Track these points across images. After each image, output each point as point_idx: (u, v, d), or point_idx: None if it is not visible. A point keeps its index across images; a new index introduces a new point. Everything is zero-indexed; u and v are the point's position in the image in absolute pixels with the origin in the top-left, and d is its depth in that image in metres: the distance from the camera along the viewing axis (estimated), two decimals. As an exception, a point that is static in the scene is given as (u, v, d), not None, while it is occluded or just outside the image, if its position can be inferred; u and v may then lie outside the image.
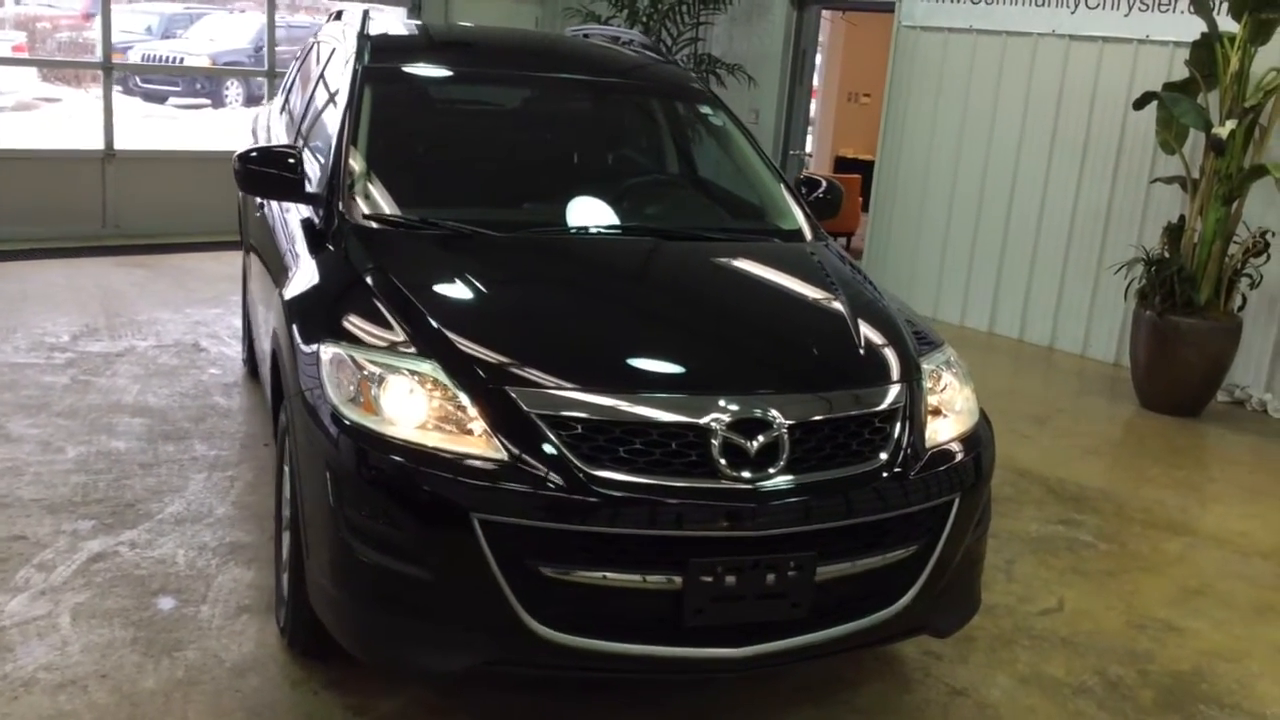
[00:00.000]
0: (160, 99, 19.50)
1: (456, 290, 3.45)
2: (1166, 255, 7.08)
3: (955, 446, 3.38)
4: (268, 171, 3.94)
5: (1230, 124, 6.73)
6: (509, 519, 2.87)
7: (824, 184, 4.64)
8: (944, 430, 3.39)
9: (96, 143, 9.40)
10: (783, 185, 4.54)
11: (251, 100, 18.04)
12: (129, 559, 4.16)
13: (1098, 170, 8.19)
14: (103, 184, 9.34)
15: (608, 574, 2.91)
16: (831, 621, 3.11)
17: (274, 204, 4.52)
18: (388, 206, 3.94)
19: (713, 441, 2.96)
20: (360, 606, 3.04)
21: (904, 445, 3.22)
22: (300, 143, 4.75)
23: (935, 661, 3.89)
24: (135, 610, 3.82)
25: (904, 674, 3.83)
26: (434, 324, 3.19)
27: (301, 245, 3.88)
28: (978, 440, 3.48)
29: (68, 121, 15.84)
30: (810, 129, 16.44)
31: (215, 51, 18.41)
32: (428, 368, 3.05)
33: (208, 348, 6.77)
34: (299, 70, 5.86)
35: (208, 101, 19.59)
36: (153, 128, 16.63)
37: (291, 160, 3.96)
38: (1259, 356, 7.43)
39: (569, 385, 3.02)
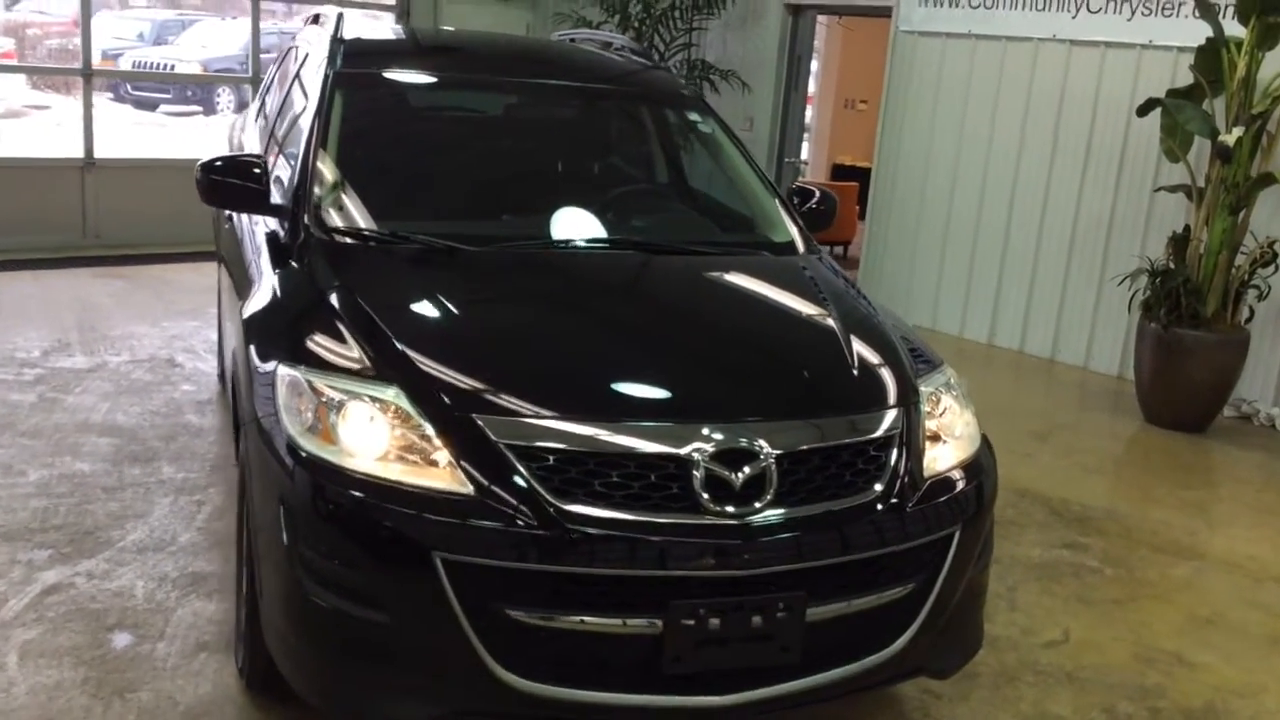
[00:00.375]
0: (151, 106, 19.33)
1: (425, 310, 3.24)
2: (1171, 266, 6.88)
3: (955, 475, 3.17)
4: (231, 182, 3.74)
5: (1237, 131, 6.53)
6: (474, 559, 2.66)
7: (817, 194, 4.44)
8: (943, 458, 3.19)
9: (77, 151, 9.19)
10: (774, 196, 4.34)
11: (243, 107, 17.87)
12: (85, 591, 3.94)
13: (1100, 178, 8.00)
14: (82, 193, 9.13)
15: (582, 618, 2.71)
16: (824, 665, 2.90)
17: (242, 216, 4.31)
18: (356, 219, 3.73)
19: (695, 474, 2.75)
20: (315, 651, 2.83)
21: (901, 475, 3.01)
22: (270, 152, 4.55)
23: (935, 700, 3.68)
24: (88, 648, 3.60)
25: (902, 713, 3.62)
26: (399, 346, 2.98)
27: (264, 260, 3.68)
28: (979, 468, 3.27)
29: (56, 129, 15.63)
30: (806, 136, 16.31)
31: (207, 58, 18.21)
32: (390, 394, 2.85)
33: (183, 363, 6.56)
34: (275, 76, 5.66)
35: (199, 109, 19.40)
36: (142, 135, 16.44)
37: (256, 170, 3.76)
38: (1267, 370, 7.23)
39: (541, 413, 2.81)
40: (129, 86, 20.17)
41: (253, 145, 5.22)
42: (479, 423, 2.76)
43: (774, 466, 2.81)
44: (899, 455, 3.04)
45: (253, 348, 3.19)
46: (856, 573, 2.92)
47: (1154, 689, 3.89)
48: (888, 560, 2.96)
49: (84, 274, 8.51)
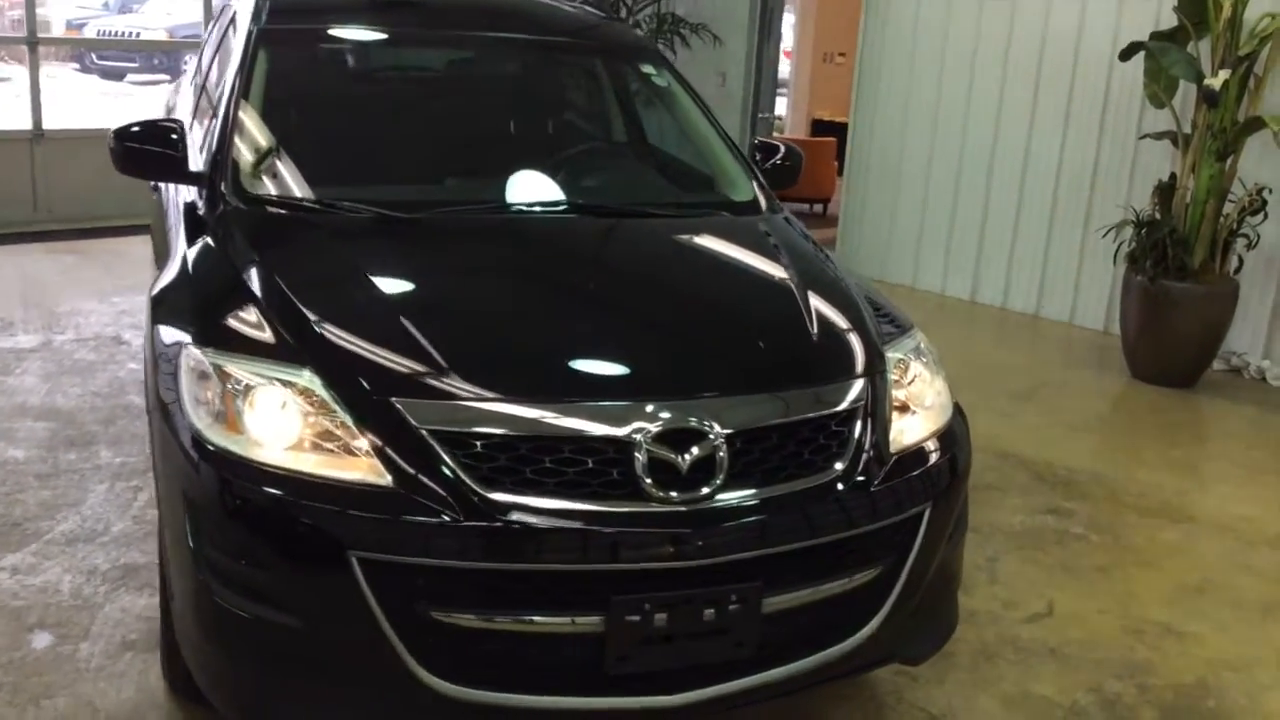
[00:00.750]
0: (119, 76, 18.95)
1: (348, 285, 2.97)
2: (1157, 216, 6.64)
3: (926, 448, 2.94)
4: (147, 149, 3.47)
5: (1223, 74, 6.27)
6: (394, 556, 2.42)
7: (782, 150, 4.17)
8: (912, 429, 2.95)
9: (25, 123, 8.85)
10: (734, 153, 4.07)
11: (207, 75, 17.44)
12: (7, 588, 3.70)
13: (1083, 127, 7.75)
14: (32, 166, 8.79)
15: (514, 618, 2.47)
16: (783, 658, 2.68)
17: (167, 186, 4.04)
18: (279, 187, 3.46)
19: (636, 457, 2.51)
20: (225, 658, 2.60)
21: (865, 450, 2.78)
22: (197, 117, 4.27)
23: (910, 683, 3.47)
24: (5, 650, 3.37)
25: (875, 698, 3.41)
26: (316, 326, 2.73)
27: (179, 232, 3.42)
28: (952, 439, 3.04)
29: (15, 101, 15.23)
30: (784, 91, 15.98)
31: (172, 25, 17.79)
32: (303, 378, 2.59)
33: (130, 340, 6.29)
34: (208, 37, 5.36)
35: (166, 77, 18.98)
36: (107, 105, 16.06)
37: (173, 135, 3.48)
38: (1256, 322, 7.01)
39: (467, 395, 2.56)
40: (94, 56, 19.74)
41: (184, 112, 4.93)
42: (399, 407, 2.52)
43: (725, 446, 2.57)
44: (863, 429, 2.80)
45: (158, 328, 2.93)
46: (817, 558, 2.69)
47: (1143, 664, 3.68)
48: (851, 543, 2.73)
49: (33, 249, 8.21)
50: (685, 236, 3.51)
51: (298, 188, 3.47)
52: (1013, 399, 6.32)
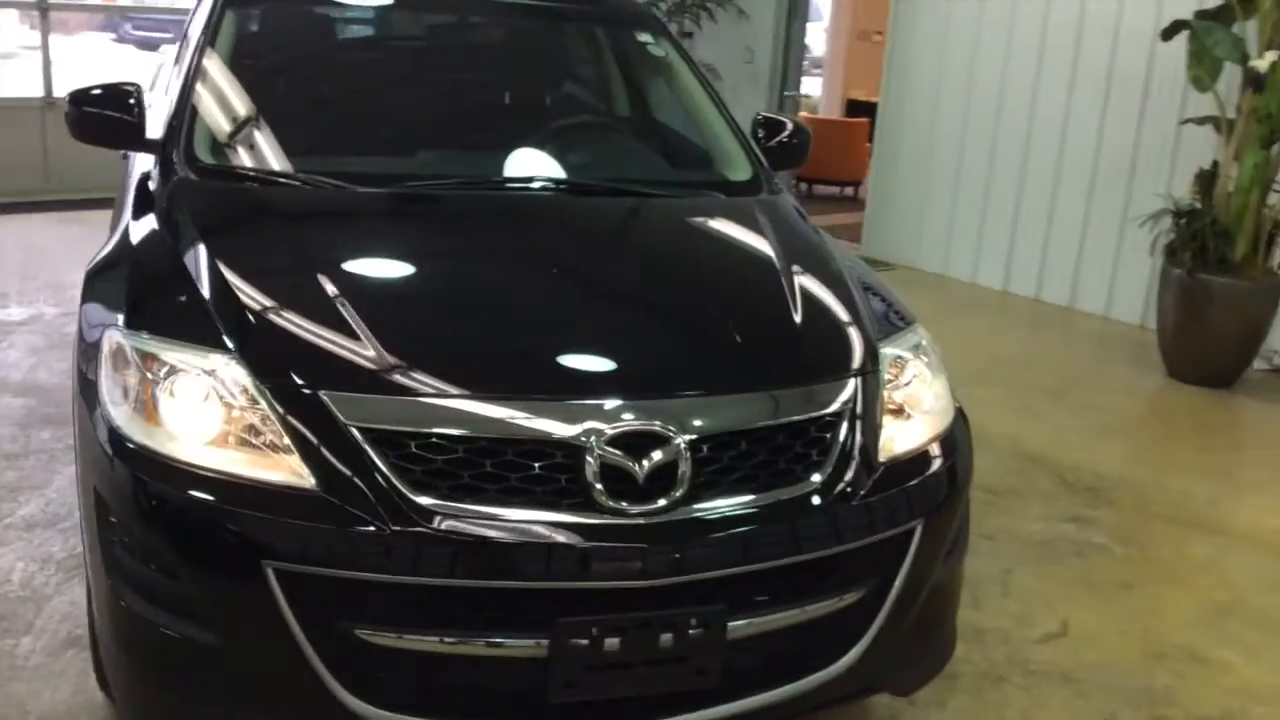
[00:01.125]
0: (153, 46, 18.85)
1: (291, 265, 2.72)
2: (1198, 206, 6.29)
3: (921, 456, 2.67)
4: (105, 115, 3.24)
5: (1270, 56, 5.90)
6: (314, 568, 2.18)
7: (789, 127, 3.89)
8: (907, 436, 2.68)
9: (38, 90, 8.70)
10: (733, 130, 3.79)
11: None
12: (-45, 577, 3.52)
13: (1122, 111, 7.39)
14: (43, 134, 8.64)
15: (447, 638, 2.23)
16: (751, 688, 2.42)
17: (133, 156, 3.82)
18: (233, 156, 3.24)
19: (588, 462, 2.25)
20: (134, 669, 2.37)
21: (850, 459, 2.51)
22: (170, 84, 4.03)
23: (905, 708, 3.20)
24: (-58, 644, 3.18)
25: (866, 723, 3.15)
26: (248, 310, 2.49)
27: (128, 205, 3.19)
28: (952, 446, 2.76)
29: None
30: (819, 70, 15.62)
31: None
32: (226, 365, 2.35)
33: (122, 315, 6.10)
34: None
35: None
36: (141, 76, 15.92)
37: (130, 100, 3.25)
38: (1301, 320, 6.63)
39: (401, 389, 2.31)
40: (129, 26, 19.70)
41: (164, 81, 4.70)
42: (326, 401, 2.27)
43: (688, 453, 2.31)
44: (849, 435, 2.53)
45: (86, 307, 2.71)
46: (791, 579, 2.43)
47: (1162, 693, 3.39)
48: (831, 563, 2.46)
49: (40, 219, 8.07)
50: (667, 218, 3.23)
51: (255, 158, 3.23)
52: (1042, 396, 6.02)
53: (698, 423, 2.35)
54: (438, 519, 2.19)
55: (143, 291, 2.66)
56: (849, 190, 11.30)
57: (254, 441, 2.28)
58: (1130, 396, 6.22)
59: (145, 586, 2.28)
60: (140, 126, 3.25)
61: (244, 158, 3.24)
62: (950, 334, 7.09)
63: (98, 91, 3.26)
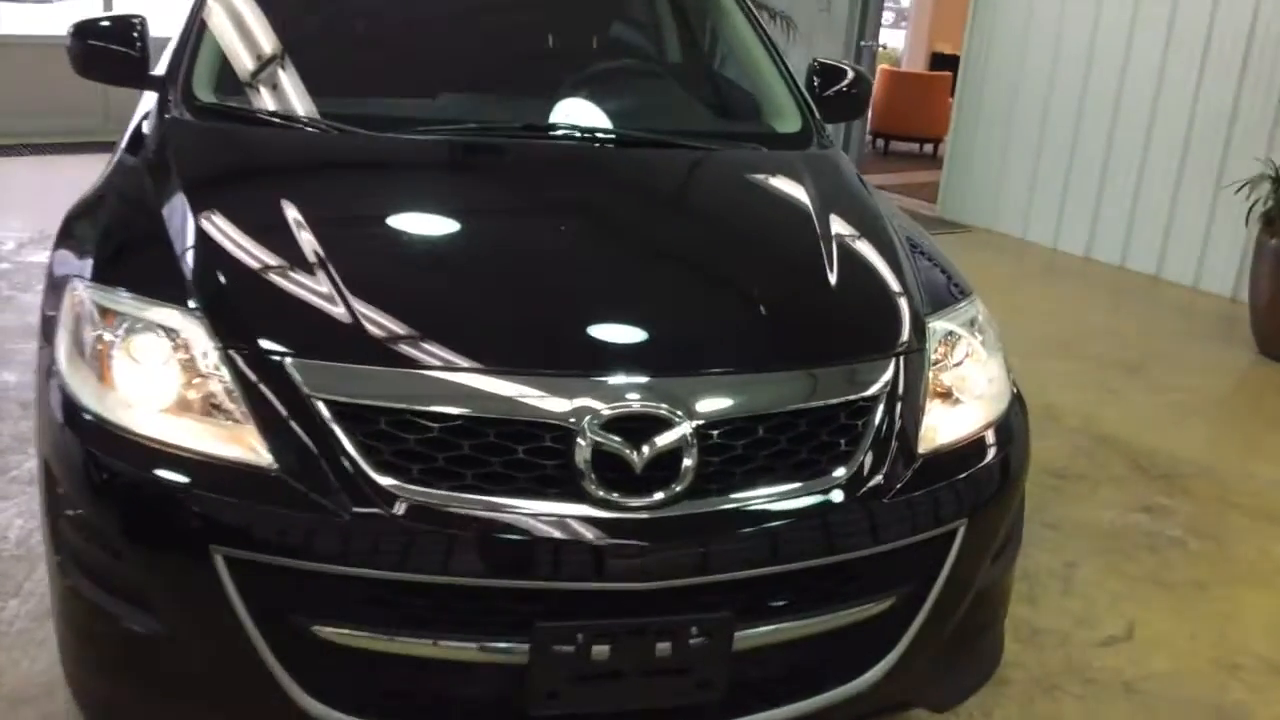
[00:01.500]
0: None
1: (273, 216, 2.46)
2: (1300, 172, 5.84)
3: (968, 447, 2.36)
4: (109, 49, 3.03)
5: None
6: (267, 557, 1.95)
7: (848, 75, 3.55)
8: (953, 423, 2.37)
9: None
10: (785, 78, 3.47)
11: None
12: (-50, 531, 3.37)
13: (1221, 68, 6.94)
14: (104, 74, 8.51)
15: (414, 639, 1.99)
16: (760, 703, 2.15)
17: (144, 95, 3.60)
18: (235, 94, 2.99)
19: (578, 445, 1.99)
20: (81, 657, 2.18)
21: (886, 449, 2.22)
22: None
23: (948, 716, 2.91)
24: (-76, 603, 3.03)
25: (902, 732, 2.87)
26: (218, 264, 2.25)
27: (122, 146, 2.98)
28: (1005, 435, 2.45)
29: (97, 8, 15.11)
30: (903, 22, 15.07)
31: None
32: (187, 325, 2.12)
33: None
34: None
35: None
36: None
37: (134, 33, 3.03)
38: None
39: (373, 358, 2.06)
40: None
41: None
42: (290, 369, 2.03)
43: (695, 439, 2.04)
44: (885, 422, 2.23)
45: (56, 254, 2.50)
46: (810, 585, 2.15)
47: (1235, 710, 3.06)
48: (857, 567, 2.18)
49: (96, 160, 7.93)
50: (697, 174, 2.93)
51: (259, 97, 3.00)
52: (1120, 372, 5.64)
53: (708, 405, 2.08)
54: (405, 506, 1.95)
55: (113, 242, 2.44)
56: (928, 148, 10.85)
57: (211, 412, 2.05)
58: (1216, 374, 5.82)
59: (92, 566, 2.07)
60: (143, 61, 3.04)
61: (247, 96, 3.00)
62: (1026, 302, 6.75)
63: (105, 23, 3.04)
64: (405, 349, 2.08)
